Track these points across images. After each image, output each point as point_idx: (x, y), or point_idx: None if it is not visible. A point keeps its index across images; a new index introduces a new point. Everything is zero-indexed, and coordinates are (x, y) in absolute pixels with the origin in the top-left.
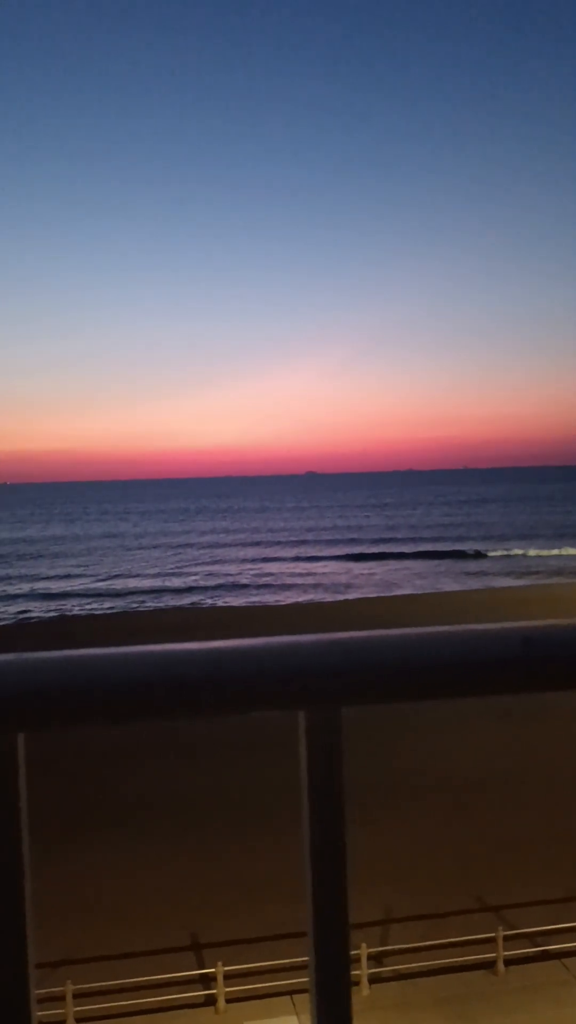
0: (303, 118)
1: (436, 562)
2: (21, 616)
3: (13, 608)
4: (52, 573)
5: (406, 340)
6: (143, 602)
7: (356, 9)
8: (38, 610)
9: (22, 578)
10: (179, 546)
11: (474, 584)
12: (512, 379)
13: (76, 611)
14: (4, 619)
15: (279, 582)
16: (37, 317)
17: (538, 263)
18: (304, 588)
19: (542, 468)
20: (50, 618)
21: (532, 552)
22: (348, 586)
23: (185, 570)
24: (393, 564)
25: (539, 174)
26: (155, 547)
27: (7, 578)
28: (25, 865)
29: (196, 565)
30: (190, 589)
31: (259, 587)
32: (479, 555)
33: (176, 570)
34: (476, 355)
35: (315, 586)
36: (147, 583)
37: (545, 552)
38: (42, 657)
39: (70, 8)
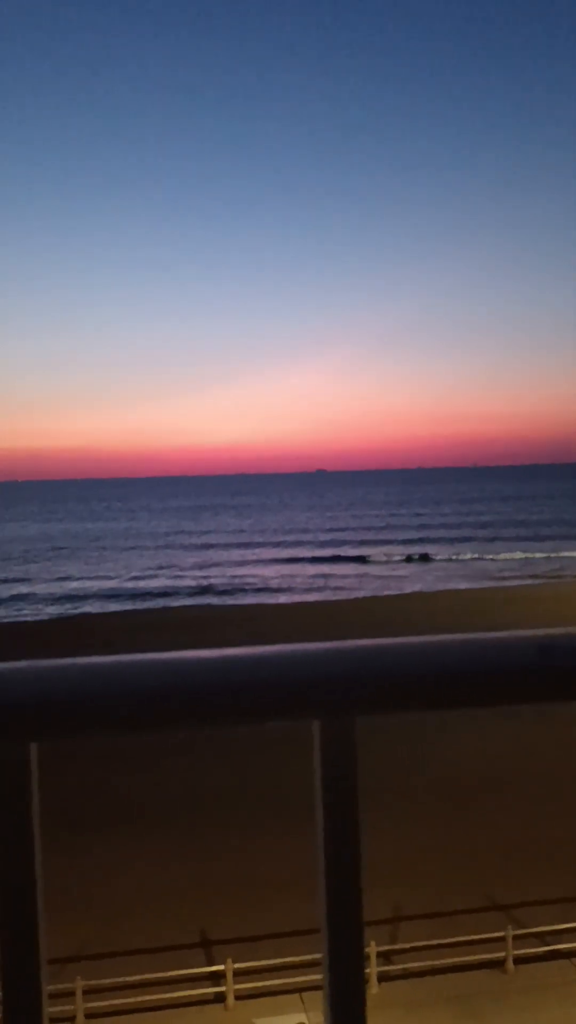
0: (308, 117)
1: (454, 563)
2: (35, 614)
3: (26, 608)
4: (66, 572)
5: (415, 338)
6: (158, 603)
7: (365, 7)
8: (53, 609)
9: (37, 578)
10: (195, 546)
11: (494, 584)
12: (521, 376)
13: (93, 610)
14: (20, 617)
15: (297, 584)
16: (46, 314)
17: (548, 260)
18: (321, 589)
19: (550, 466)
20: (65, 617)
21: (565, 553)
22: (365, 584)
23: (198, 570)
24: (413, 564)
25: (547, 174)
26: (170, 547)
27: (25, 578)
28: (38, 871)
29: (210, 566)
30: (204, 589)
31: (273, 588)
32: (492, 555)
33: (191, 569)
34: (485, 353)
35: (324, 588)
36: (162, 583)
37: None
38: (53, 665)
39: (70, 6)
